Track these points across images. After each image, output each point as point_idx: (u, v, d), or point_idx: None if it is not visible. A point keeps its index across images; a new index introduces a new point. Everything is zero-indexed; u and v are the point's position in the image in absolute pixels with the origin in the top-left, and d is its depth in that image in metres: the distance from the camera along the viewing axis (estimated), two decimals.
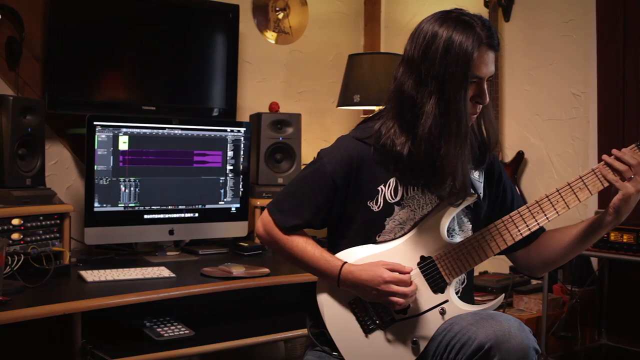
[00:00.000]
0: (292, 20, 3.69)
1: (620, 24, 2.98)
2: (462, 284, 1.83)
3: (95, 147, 2.70)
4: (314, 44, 3.80)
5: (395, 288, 1.66)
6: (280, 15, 3.65)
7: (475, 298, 2.11)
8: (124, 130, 2.75)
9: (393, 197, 1.76)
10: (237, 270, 2.54)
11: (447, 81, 1.62)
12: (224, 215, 2.99)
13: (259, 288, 2.57)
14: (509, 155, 3.40)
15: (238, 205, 3.02)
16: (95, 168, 2.71)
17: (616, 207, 1.66)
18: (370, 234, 1.78)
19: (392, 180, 1.76)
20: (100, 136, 2.71)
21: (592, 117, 3.11)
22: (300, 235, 1.83)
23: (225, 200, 3.00)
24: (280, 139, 3.21)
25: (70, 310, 2.08)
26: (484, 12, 3.37)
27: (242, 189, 3.03)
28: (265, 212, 1.86)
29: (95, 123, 2.70)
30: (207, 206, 2.96)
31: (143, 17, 3.07)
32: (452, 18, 1.66)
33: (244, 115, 3.42)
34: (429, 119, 1.63)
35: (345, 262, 1.75)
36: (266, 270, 2.58)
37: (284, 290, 2.69)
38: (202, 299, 2.51)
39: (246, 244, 2.95)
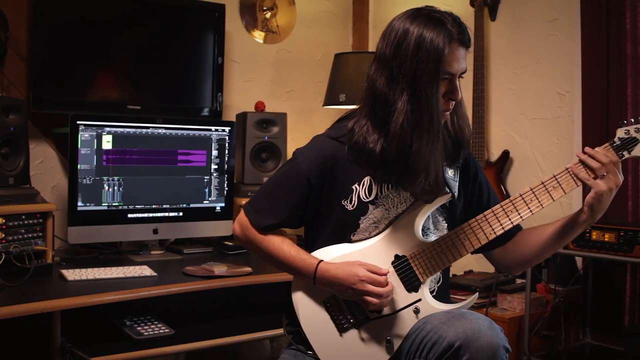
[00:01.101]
0: (280, 19, 3.69)
1: (604, 23, 2.98)
2: (438, 282, 1.83)
3: (79, 146, 2.70)
4: (301, 44, 3.80)
5: (370, 287, 1.66)
6: (268, 15, 3.65)
7: (457, 297, 2.12)
8: (108, 129, 2.76)
9: (367, 196, 1.76)
10: (219, 269, 2.54)
11: (418, 77, 1.62)
12: (209, 214, 3.00)
13: (244, 287, 2.56)
14: (494, 154, 3.40)
15: (223, 205, 3.03)
16: (79, 167, 2.71)
17: (590, 205, 1.67)
18: (345, 233, 1.79)
19: (366, 179, 1.76)
20: (84, 135, 2.71)
21: (576, 116, 3.11)
22: (276, 235, 1.83)
23: (210, 199, 3.00)
24: (266, 138, 3.21)
25: (48, 309, 2.08)
26: (470, 11, 3.38)
27: (227, 188, 3.03)
28: (242, 212, 1.87)
29: (78, 122, 2.70)
30: (192, 205, 2.96)
31: (128, 16, 3.07)
32: (423, 15, 1.67)
33: (231, 115, 3.42)
34: (401, 116, 1.64)
35: (321, 261, 1.75)
36: (248, 269, 2.58)
37: (269, 289, 2.68)
38: (185, 298, 2.52)
39: (231, 243, 2.95)
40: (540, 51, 3.26)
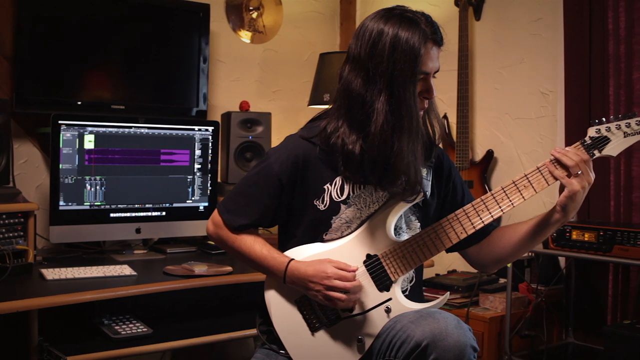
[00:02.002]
0: (266, 19, 3.69)
1: (586, 23, 2.99)
2: (410, 282, 1.84)
3: (60, 145, 2.70)
4: (288, 43, 3.81)
5: (336, 283, 1.67)
6: (254, 15, 3.65)
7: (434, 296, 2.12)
8: (90, 129, 2.76)
9: (339, 195, 1.77)
10: (200, 268, 2.55)
11: (395, 78, 1.63)
12: (192, 213, 3.00)
13: (225, 286, 2.57)
14: (479, 153, 3.40)
15: (206, 204, 3.03)
16: (61, 167, 2.71)
17: (563, 205, 1.67)
18: (317, 232, 1.79)
19: (338, 179, 1.77)
20: (66, 135, 2.71)
21: (559, 116, 3.12)
22: (249, 234, 1.84)
23: (193, 198, 3.01)
24: (250, 137, 3.22)
25: (24, 308, 2.08)
26: (455, 11, 3.38)
27: (210, 188, 3.04)
28: (215, 211, 1.88)
29: (60, 122, 2.70)
30: (175, 205, 2.97)
31: (113, 16, 3.07)
32: (396, 15, 1.67)
33: (217, 114, 3.43)
34: (381, 116, 1.64)
35: (292, 259, 1.75)
36: (229, 268, 2.58)
37: (250, 289, 2.68)
38: (166, 298, 2.52)
39: (214, 243, 2.95)
40: (524, 51, 3.27)
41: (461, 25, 3.32)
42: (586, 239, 2.63)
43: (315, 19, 3.94)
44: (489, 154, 3.33)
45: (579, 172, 1.63)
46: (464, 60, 3.31)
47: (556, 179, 1.66)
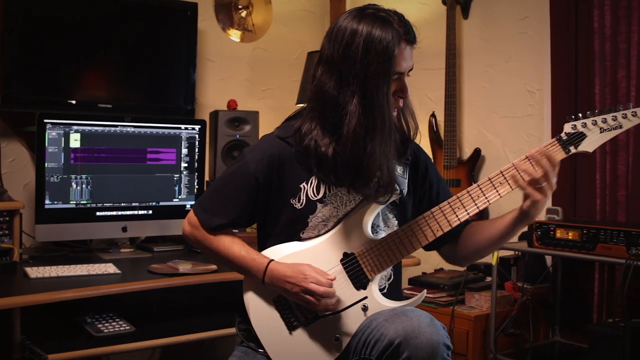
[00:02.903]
0: (256, 18, 3.68)
1: (572, 21, 2.99)
2: (389, 280, 1.84)
3: (46, 144, 2.71)
4: (278, 42, 3.81)
5: (312, 286, 1.67)
6: (243, 13, 3.65)
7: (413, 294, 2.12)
8: (76, 127, 2.77)
9: (315, 194, 1.77)
10: (184, 267, 2.55)
11: (369, 80, 1.63)
12: (179, 212, 3.00)
13: (210, 285, 2.57)
14: (467, 152, 3.41)
15: (193, 202, 3.03)
16: (46, 165, 2.72)
17: (525, 209, 1.67)
18: (294, 231, 1.79)
19: (314, 178, 1.77)
20: (51, 134, 2.72)
21: (546, 114, 3.12)
22: (226, 235, 1.84)
23: (179, 197, 3.01)
24: (238, 136, 3.22)
25: (5, 306, 2.08)
26: (442, 10, 3.38)
27: (197, 187, 3.04)
28: (191, 211, 1.87)
29: (45, 121, 2.71)
30: (162, 203, 2.97)
31: (99, 15, 3.08)
32: (369, 15, 1.67)
33: (206, 113, 3.43)
34: (354, 119, 1.63)
35: (272, 260, 1.76)
36: (213, 267, 2.58)
37: (235, 287, 2.68)
38: (152, 296, 2.52)
39: (190, 243, 2.94)
40: (511, 49, 3.27)
41: (449, 24, 3.32)
42: (570, 237, 2.63)
43: (305, 18, 3.95)
44: (477, 153, 3.33)
45: (543, 184, 1.63)
46: (452, 59, 3.31)
47: (520, 187, 1.65)
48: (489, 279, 3.11)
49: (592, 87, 2.93)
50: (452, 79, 3.32)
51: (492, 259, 2.86)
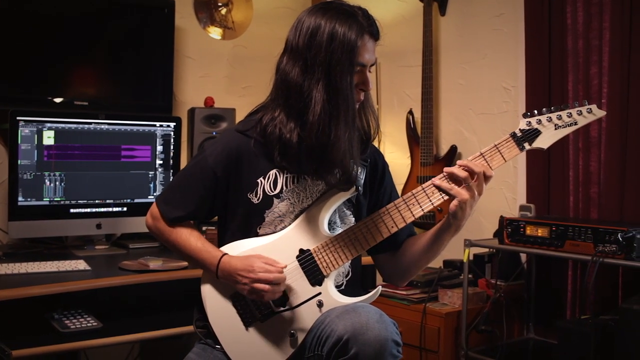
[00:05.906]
0: (236, 15, 3.69)
1: (546, 18, 2.99)
2: (347, 276, 1.85)
3: (19, 142, 2.72)
4: (258, 39, 3.81)
5: (261, 275, 1.68)
6: (223, 11, 3.65)
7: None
8: (49, 125, 2.77)
9: (272, 189, 1.78)
10: (155, 263, 2.56)
11: (333, 67, 1.65)
12: None
13: (183, 281, 2.56)
14: (444, 149, 3.41)
15: None
16: (19, 162, 2.73)
17: (452, 212, 1.67)
18: (250, 226, 1.80)
19: (272, 173, 1.78)
20: (24, 131, 2.73)
21: (521, 111, 3.12)
22: (185, 227, 1.85)
23: (154, 194, 3.02)
24: (214, 133, 3.22)
25: None
26: (420, 6, 3.38)
27: None
28: (153, 204, 1.89)
29: (18, 118, 2.71)
30: (136, 200, 2.98)
31: (74, 12, 3.08)
32: (334, 8, 1.70)
33: (184, 110, 3.43)
34: (318, 105, 1.65)
35: (226, 254, 1.77)
36: (184, 263, 2.59)
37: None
38: (122, 293, 2.52)
39: (152, 235, 2.95)
40: (487, 46, 3.28)
41: (425, 21, 3.32)
42: (539, 234, 2.63)
43: (286, 15, 3.94)
44: (453, 150, 3.33)
45: (470, 184, 1.64)
46: (429, 56, 3.31)
47: (445, 191, 1.67)
48: (461, 276, 3.11)
49: (566, 84, 2.94)
50: (429, 75, 3.32)
51: (463, 255, 2.86)
